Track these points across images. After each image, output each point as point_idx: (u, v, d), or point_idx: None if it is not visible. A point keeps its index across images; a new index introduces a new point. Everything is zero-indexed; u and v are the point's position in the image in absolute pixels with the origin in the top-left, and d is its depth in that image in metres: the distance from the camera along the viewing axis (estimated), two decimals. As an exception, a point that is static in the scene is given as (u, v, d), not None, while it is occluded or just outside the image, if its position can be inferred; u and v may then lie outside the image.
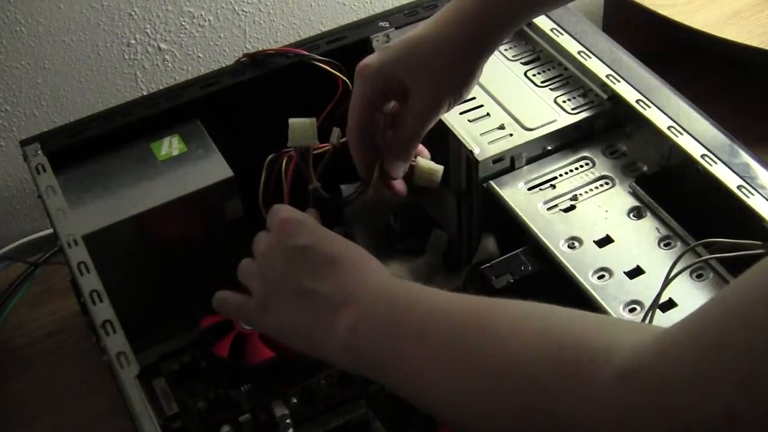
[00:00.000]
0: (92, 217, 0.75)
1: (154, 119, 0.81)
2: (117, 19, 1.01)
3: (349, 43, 0.86)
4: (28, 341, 0.92)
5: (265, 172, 0.74)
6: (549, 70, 0.84)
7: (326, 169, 0.73)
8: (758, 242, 0.63)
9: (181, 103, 0.82)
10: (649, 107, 0.76)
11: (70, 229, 0.73)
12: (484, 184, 0.77)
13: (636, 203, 0.74)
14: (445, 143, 0.79)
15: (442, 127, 0.77)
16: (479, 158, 0.76)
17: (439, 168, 0.74)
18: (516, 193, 0.76)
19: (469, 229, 0.81)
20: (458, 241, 0.83)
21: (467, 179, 0.78)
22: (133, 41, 1.03)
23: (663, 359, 0.44)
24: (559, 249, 0.71)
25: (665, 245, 0.70)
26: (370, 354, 0.56)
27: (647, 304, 0.65)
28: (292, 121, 0.72)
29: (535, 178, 0.77)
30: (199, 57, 1.08)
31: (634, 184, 0.75)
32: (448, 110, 0.69)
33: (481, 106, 0.80)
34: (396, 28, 0.87)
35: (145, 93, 1.06)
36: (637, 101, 0.77)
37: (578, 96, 0.81)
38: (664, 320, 0.64)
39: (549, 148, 0.78)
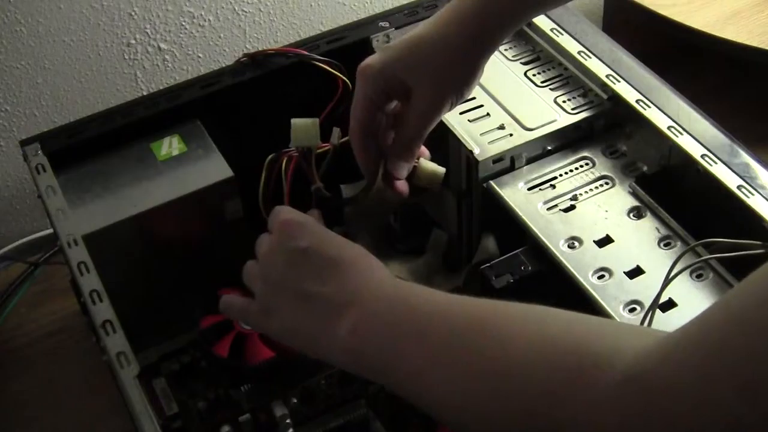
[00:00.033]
0: (92, 217, 0.75)
1: (154, 119, 0.81)
2: (117, 19, 1.01)
3: (349, 43, 0.86)
4: (28, 341, 0.92)
5: (265, 172, 0.74)
6: (549, 70, 0.84)
7: (328, 169, 0.73)
8: (758, 242, 0.63)
9: (181, 103, 0.82)
10: (649, 107, 0.76)
11: (70, 229, 0.73)
12: (484, 184, 0.77)
13: (636, 203, 0.74)
14: (445, 143, 0.79)
15: (442, 127, 0.77)
16: (479, 158, 0.76)
17: (442, 170, 0.74)
18: (516, 193, 0.76)
19: (469, 229, 0.81)
20: (458, 241, 0.83)
21: (467, 179, 0.78)
22: (133, 41, 1.03)
23: (666, 363, 0.44)
24: (559, 249, 0.71)
25: (665, 245, 0.70)
26: (371, 354, 0.56)
27: (647, 304, 0.65)
28: (294, 121, 0.72)
29: (535, 178, 0.77)
30: (199, 57, 1.08)
31: (634, 184, 0.75)
32: (450, 110, 0.69)
33: (481, 106, 0.80)
34: (396, 28, 0.87)
35: (145, 93, 1.06)
36: (637, 101, 0.77)
37: (578, 96, 0.81)
38: (664, 320, 0.64)
39: (549, 148, 0.78)
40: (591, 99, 0.80)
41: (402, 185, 0.73)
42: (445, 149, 0.79)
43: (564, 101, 0.80)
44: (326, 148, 0.73)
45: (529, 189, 0.76)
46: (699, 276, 0.67)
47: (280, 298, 0.60)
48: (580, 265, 0.69)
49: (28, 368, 0.90)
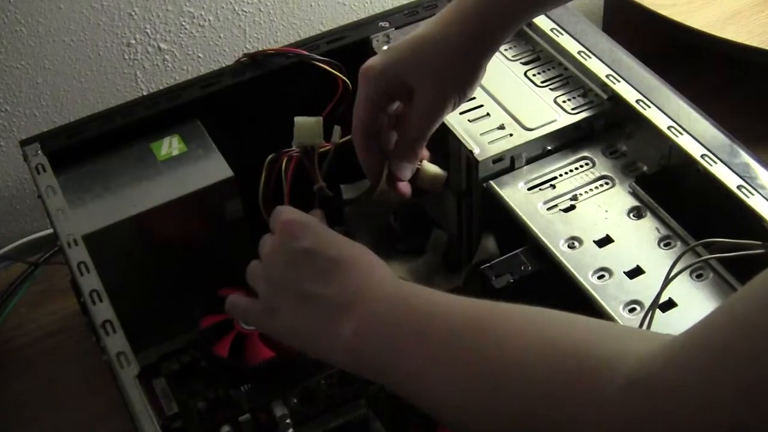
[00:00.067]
0: (92, 217, 0.75)
1: (154, 119, 0.81)
2: (117, 19, 1.01)
3: (349, 43, 0.86)
4: (28, 341, 0.92)
5: (265, 172, 0.74)
6: (549, 70, 0.84)
7: (329, 169, 0.73)
8: (758, 242, 0.63)
9: (181, 103, 0.82)
10: (649, 107, 0.76)
11: (70, 229, 0.73)
12: (484, 184, 0.77)
13: (636, 203, 0.74)
14: (445, 143, 0.79)
15: (442, 127, 0.77)
16: (479, 158, 0.76)
17: (444, 173, 0.74)
18: (516, 193, 0.76)
19: (469, 229, 0.81)
20: (458, 241, 0.83)
21: (467, 179, 0.78)
22: (133, 41, 1.03)
23: (671, 367, 0.44)
24: (559, 249, 0.71)
25: (665, 245, 0.70)
26: (371, 354, 0.56)
27: (647, 304, 0.65)
28: (297, 119, 0.72)
29: (535, 178, 0.77)
30: (199, 57, 1.08)
31: (634, 184, 0.75)
32: (452, 110, 0.69)
33: (481, 106, 0.80)
34: (396, 28, 0.87)
35: (145, 93, 1.06)
36: (637, 101, 0.77)
37: (578, 96, 0.81)
38: (664, 320, 0.64)
39: (549, 148, 0.78)
40: (591, 99, 0.80)
41: (405, 187, 0.73)
42: (445, 149, 0.79)
43: (564, 101, 0.80)
44: (327, 147, 0.73)
45: (529, 189, 0.76)
46: (699, 276, 0.67)
47: (281, 298, 0.60)
48: (580, 265, 0.69)
49: (28, 368, 0.90)
